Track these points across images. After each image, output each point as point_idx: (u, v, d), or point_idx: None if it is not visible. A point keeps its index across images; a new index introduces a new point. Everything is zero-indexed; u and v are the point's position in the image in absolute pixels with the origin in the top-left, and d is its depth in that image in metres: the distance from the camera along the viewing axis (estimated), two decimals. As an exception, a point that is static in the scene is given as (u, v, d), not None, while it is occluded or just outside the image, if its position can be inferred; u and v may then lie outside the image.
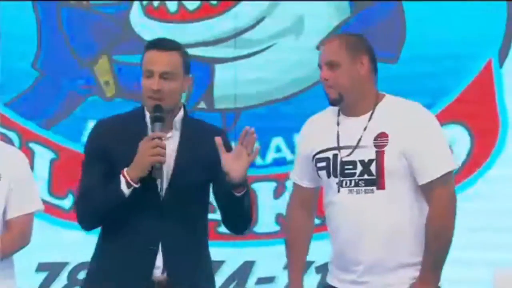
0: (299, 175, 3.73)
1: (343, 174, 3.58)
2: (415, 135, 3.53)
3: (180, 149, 3.38)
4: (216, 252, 5.26)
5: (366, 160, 3.56)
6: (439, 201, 3.53)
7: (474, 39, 5.34)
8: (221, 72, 5.44)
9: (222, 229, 5.17)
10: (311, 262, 4.95)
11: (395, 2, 5.39)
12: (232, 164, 3.37)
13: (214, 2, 5.39)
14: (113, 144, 3.37)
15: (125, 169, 3.34)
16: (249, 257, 5.21)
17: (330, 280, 3.71)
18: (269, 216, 5.22)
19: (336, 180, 3.57)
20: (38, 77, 5.39)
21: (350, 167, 3.58)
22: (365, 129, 3.56)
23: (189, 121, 3.46)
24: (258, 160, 5.29)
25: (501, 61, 5.35)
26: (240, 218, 3.49)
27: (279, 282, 5.15)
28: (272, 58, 5.41)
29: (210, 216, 5.37)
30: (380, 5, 5.41)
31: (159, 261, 3.35)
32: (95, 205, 3.37)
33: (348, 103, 3.58)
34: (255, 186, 5.26)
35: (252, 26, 5.42)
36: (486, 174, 5.34)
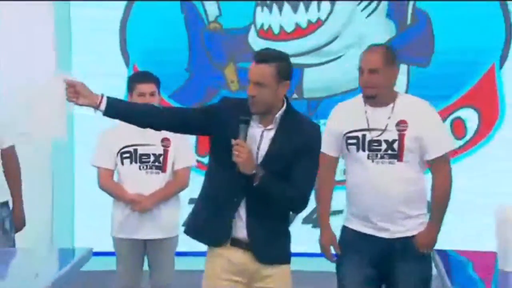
0: (329, 147, 3.91)
1: (371, 149, 3.82)
2: (426, 124, 3.84)
3: (274, 140, 3.38)
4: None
5: (390, 140, 3.80)
6: (442, 172, 3.85)
7: (483, 48, 5.90)
8: (308, 74, 6.06)
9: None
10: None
11: (426, 24, 5.86)
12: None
13: (304, 26, 6.01)
14: (224, 118, 3.40)
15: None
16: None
17: (351, 225, 3.95)
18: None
19: (365, 154, 3.82)
20: (189, 77, 6.15)
21: (376, 144, 3.82)
22: (389, 117, 3.83)
23: (288, 117, 3.39)
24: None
25: (501, 64, 5.98)
26: (277, 203, 3.32)
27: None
28: (342, 63, 6.01)
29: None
30: (416, 27, 5.89)
31: (242, 225, 3.31)
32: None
33: (378, 99, 3.86)
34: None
35: (329, 43, 6.04)
36: (490, 142, 5.97)
